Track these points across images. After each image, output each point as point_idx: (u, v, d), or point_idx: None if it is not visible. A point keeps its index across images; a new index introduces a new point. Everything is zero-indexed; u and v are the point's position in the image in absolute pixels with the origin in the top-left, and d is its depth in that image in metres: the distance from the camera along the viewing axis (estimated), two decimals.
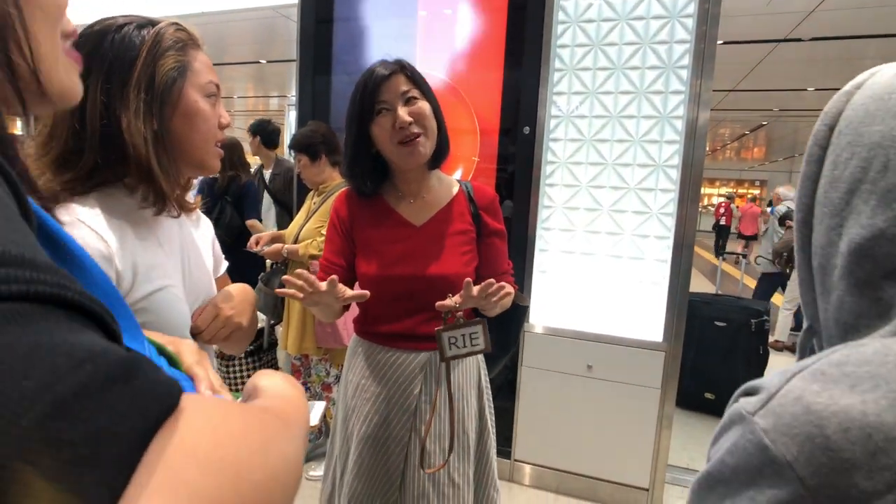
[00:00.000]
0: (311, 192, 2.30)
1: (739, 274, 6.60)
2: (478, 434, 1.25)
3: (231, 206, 3.00)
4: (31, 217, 0.29)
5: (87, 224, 0.68)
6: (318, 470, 2.32)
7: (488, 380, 1.30)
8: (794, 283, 4.50)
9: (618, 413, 2.17)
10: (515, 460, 2.36)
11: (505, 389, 2.29)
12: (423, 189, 1.21)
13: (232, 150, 2.99)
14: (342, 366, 1.33)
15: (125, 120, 0.70)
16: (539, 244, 2.23)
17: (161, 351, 0.46)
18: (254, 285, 1.58)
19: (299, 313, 2.22)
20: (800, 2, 4.08)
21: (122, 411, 0.22)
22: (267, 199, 3.42)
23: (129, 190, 0.75)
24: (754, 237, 9.56)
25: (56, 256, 0.33)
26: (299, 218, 2.29)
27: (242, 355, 2.34)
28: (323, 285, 0.96)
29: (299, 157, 2.21)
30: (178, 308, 0.77)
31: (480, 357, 1.27)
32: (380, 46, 2.36)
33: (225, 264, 1.00)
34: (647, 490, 2.17)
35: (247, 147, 3.47)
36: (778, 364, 3.74)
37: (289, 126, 5.30)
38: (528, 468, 2.35)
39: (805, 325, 0.48)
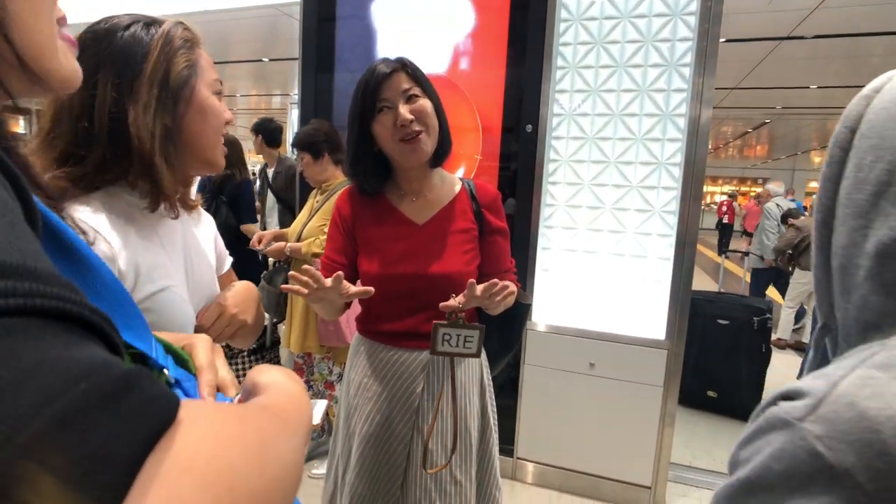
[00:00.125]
0: (314, 191, 2.30)
1: (742, 272, 6.59)
2: (480, 432, 1.25)
3: (227, 205, 2.95)
4: (35, 219, 0.29)
5: (89, 225, 0.68)
6: (320, 468, 2.33)
7: (491, 378, 1.30)
8: (796, 281, 4.49)
9: (620, 411, 2.17)
10: (518, 458, 2.36)
11: (507, 387, 2.29)
12: (425, 187, 1.21)
13: (231, 148, 2.98)
14: (345, 364, 1.34)
15: (132, 113, 0.70)
16: (541, 242, 2.23)
17: (168, 349, 0.46)
18: (256, 283, 1.58)
19: (302, 311, 2.22)
20: None
21: (117, 430, 0.22)
22: (271, 197, 3.41)
23: (131, 187, 0.75)
24: None
25: (62, 257, 0.33)
26: (302, 216, 2.29)
27: (245, 353, 2.35)
28: (328, 282, 0.96)
29: (302, 156, 2.21)
30: (182, 308, 0.78)
31: (483, 355, 1.27)
32: (382, 44, 2.36)
33: (229, 261, 1.00)
34: (650, 488, 2.17)
35: (249, 146, 3.47)
36: (780, 362, 3.74)
37: (291, 124, 5.30)
38: (530, 466, 2.35)
39: (819, 323, 0.48)
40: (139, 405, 0.23)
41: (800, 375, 2.93)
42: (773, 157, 18.05)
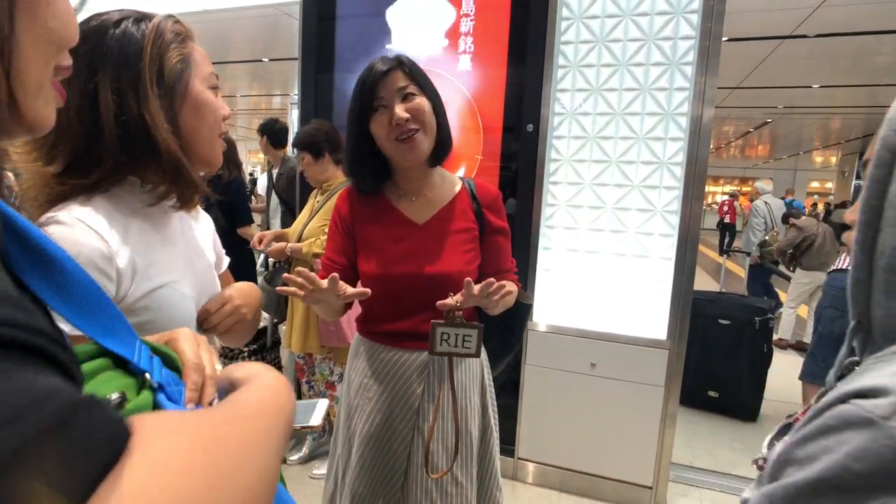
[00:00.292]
0: (315, 191, 2.30)
1: (744, 272, 6.57)
2: (481, 432, 1.24)
3: (216, 206, 2.74)
4: None
5: (86, 223, 0.67)
6: (321, 468, 2.33)
7: (491, 378, 1.30)
8: (797, 281, 4.48)
9: (621, 411, 2.16)
10: (519, 458, 2.35)
11: (508, 387, 2.29)
12: (424, 187, 1.20)
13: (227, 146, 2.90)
14: (346, 364, 1.33)
15: (149, 116, 0.69)
16: (542, 242, 2.22)
17: (155, 351, 0.45)
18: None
19: (303, 312, 2.22)
20: None
21: (61, 465, 0.21)
22: (275, 198, 3.39)
23: (146, 187, 0.74)
24: None
25: (29, 259, 0.32)
26: (303, 216, 2.28)
27: (246, 354, 2.34)
28: (324, 283, 0.96)
29: (302, 156, 2.20)
30: (183, 305, 0.77)
31: (483, 355, 1.26)
32: (382, 43, 2.35)
33: (227, 260, 1.00)
34: (651, 488, 2.16)
35: (254, 147, 3.44)
36: (782, 362, 3.73)
37: (292, 124, 5.30)
38: (531, 466, 2.35)
39: (854, 321, 0.50)
40: (84, 437, 0.22)
41: (801, 375, 2.92)
42: (775, 157, 18.00)
